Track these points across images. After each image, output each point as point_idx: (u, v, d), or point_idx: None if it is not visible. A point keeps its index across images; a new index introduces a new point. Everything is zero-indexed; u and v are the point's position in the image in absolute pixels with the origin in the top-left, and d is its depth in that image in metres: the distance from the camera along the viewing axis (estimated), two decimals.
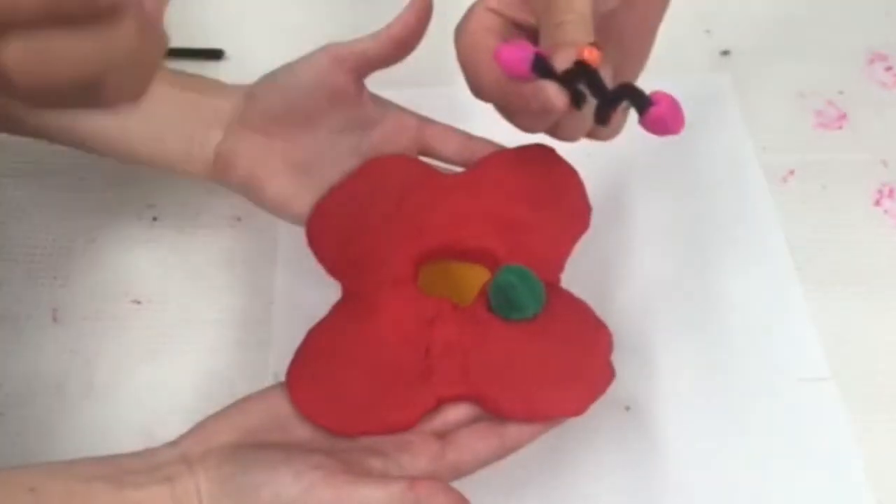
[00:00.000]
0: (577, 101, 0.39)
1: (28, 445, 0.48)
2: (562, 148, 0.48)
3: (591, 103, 0.40)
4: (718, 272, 0.54)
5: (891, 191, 0.58)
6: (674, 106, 0.39)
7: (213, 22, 0.66)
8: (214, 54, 0.64)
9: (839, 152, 0.59)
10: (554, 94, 0.39)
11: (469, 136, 0.49)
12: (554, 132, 0.44)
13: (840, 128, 0.60)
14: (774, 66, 0.63)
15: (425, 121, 0.50)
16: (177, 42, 0.63)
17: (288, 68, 0.48)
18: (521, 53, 0.40)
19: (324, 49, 0.47)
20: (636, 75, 0.47)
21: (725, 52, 0.64)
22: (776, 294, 0.53)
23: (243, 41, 0.65)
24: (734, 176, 0.58)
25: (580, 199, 0.47)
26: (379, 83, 0.49)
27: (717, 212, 0.56)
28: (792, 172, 0.58)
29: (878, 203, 0.57)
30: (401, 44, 0.47)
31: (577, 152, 0.48)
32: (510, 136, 0.47)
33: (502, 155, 0.48)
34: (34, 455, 0.48)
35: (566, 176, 0.47)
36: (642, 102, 0.39)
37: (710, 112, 0.61)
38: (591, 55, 0.39)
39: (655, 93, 0.39)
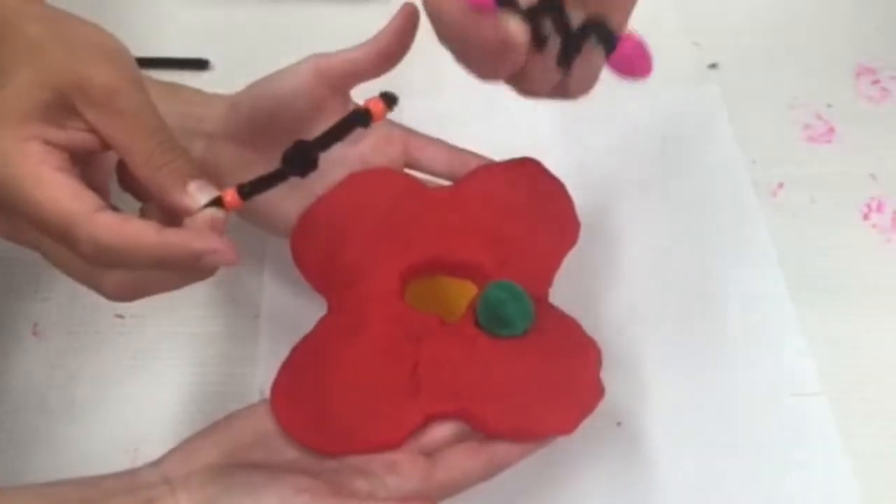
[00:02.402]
0: (539, 41, 0.38)
1: (8, 462, 0.48)
2: (550, 162, 0.47)
3: (555, 50, 0.39)
4: (708, 286, 0.54)
5: (879, 205, 0.57)
6: (641, 46, 0.38)
7: (198, 32, 0.66)
8: (199, 64, 0.64)
9: (828, 166, 0.59)
10: (515, 28, 0.38)
11: (456, 149, 0.49)
12: (517, 82, 0.42)
13: (829, 141, 0.60)
14: (763, 79, 0.63)
15: (412, 133, 0.50)
16: (162, 52, 0.64)
17: (272, 78, 0.47)
18: None
19: (308, 60, 0.47)
20: (621, 28, 0.45)
21: (714, 65, 0.64)
22: (766, 308, 0.53)
23: (228, 51, 0.64)
24: (724, 189, 0.58)
25: (569, 213, 0.46)
26: (366, 93, 0.48)
27: (707, 225, 0.56)
28: (781, 185, 0.58)
29: (866, 217, 0.57)
30: (387, 56, 0.46)
31: (565, 166, 0.47)
32: (498, 149, 0.47)
33: (490, 168, 0.48)
34: (14, 472, 0.47)
35: (554, 190, 0.47)
36: (609, 40, 0.38)
37: (700, 124, 0.61)
38: None
39: (623, 34, 0.38)
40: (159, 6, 0.67)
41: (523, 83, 0.42)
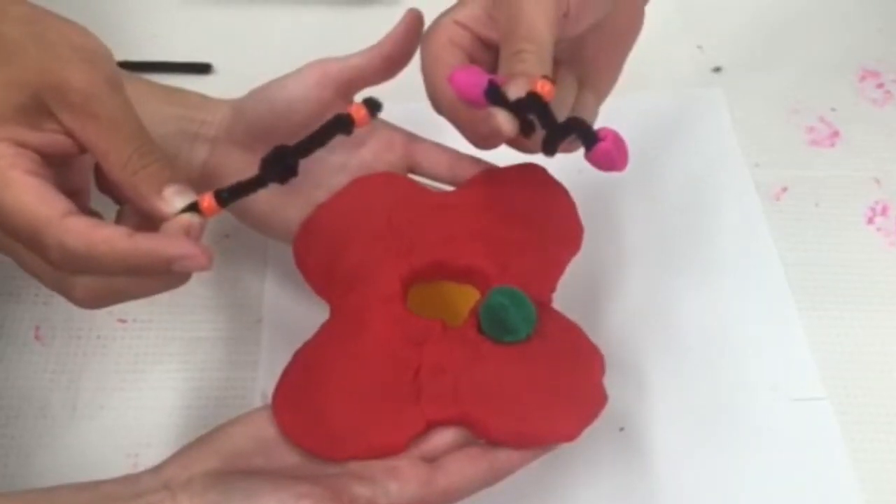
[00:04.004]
0: (526, 129, 0.40)
1: (10, 468, 0.48)
2: (552, 164, 0.47)
3: (541, 132, 0.40)
4: (711, 290, 0.54)
5: (883, 208, 0.57)
6: (619, 142, 0.39)
7: (201, 36, 0.66)
8: (202, 68, 0.64)
9: (832, 169, 0.59)
10: (504, 121, 0.39)
11: (458, 154, 0.49)
12: (508, 144, 0.45)
13: (832, 145, 0.60)
14: (766, 82, 0.63)
15: (414, 138, 0.50)
16: (165, 56, 0.64)
17: (275, 83, 0.47)
18: (474, 79, 0.41)
19: (312, 64, 0.47)
20: (602, 98, 0.47)
21: (717, 69, 0.64)
22: (770, 312, 0.53)
23: (231, 55, 0.64)
24: (727, 192, 0.58)
25: (572, 218, 0.46)
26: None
27: (710, 229, 0.56)
28: (785, 189, 0.58)
29: (870, 221, 0.57)
30: (391, 61, 0.46)
31: (567, 169, 0.47)
32: (500, 154, 0.46)
33: (492, 173, 0.48)
34: (16, 478, 0.47)
35: (557, 195, 0.47)
36: (589, 138, 0.39)
37: (703, 127, 0.61)
38: (543, 89, 0.39)
39: (602, 129, 0.39)
40: (162, 10, 0.67)
41: (514, 147, 0.44)
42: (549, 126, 0.40)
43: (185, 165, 0.48)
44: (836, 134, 0.61)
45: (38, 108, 0.37)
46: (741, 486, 0.47)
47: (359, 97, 0.48)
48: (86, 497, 0.37)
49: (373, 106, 0.39)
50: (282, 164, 0.39)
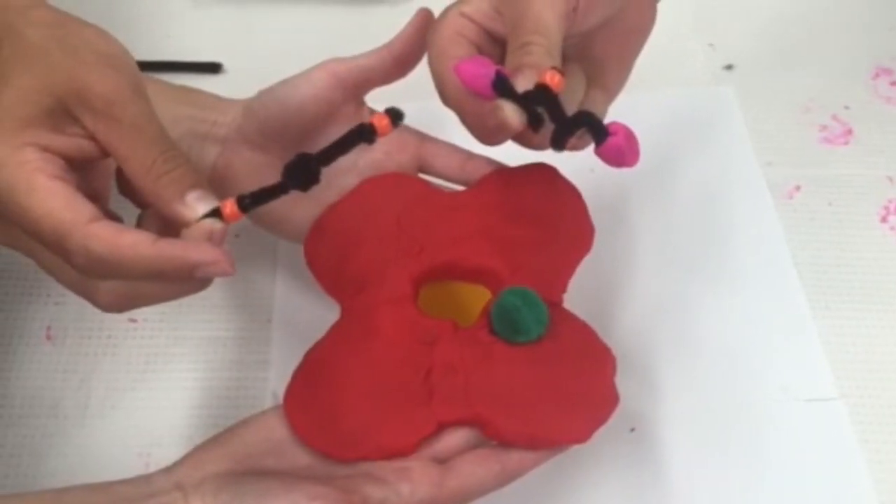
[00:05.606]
0: (534, 123, 0.39)
1: (22, 468, 0.48)
2: (564, 164, 0.47)
3: (549, 126, 0.40)
4: (723, 290, 0.53)
5: None
6: (630, 137, 0.39)
7: (211, 35, 0.66)
8: (212, 68, 0.64)
9: (845, 168, 0.59)
10: (511, 114, 0.39)
11: (469, 154, 0.49)
12: (515, 139, 0.44)
13: (846, 143, 0.60)
14: (779, 80, 0.63)
15: (425, 138, 0.50)
16: (175, 55, 0.64)
17: (286, 83, 0.47)
18: (481, 70, 0.40)
19: (323, 65, 0.47)
20: (612, 97, 0.47)
21: (729, 67, 0.64)
22: (783, 311, 0.53)
23: (241, 55, 0.64)
24: (739, 191, 0.58)
25: (583, 219, 0.46)
26: (378, 98, 0.48)
27: (722, 228, 0.56)
28: (798, 188, 0.58)
29: (884, 219, 0.57)
30: (401, 61, 0.46)
31: (579, 168, 0.47)
32: (511, 154, 0.46)
33: (503, 173, 0.47)
34: (27, 477, 0.47)
35: (568, 195, 0.47)
36: (600, 132, 0.39)
37: (715, 126, 0.61)
38: (552, 80, 0.39)
39: (612, 124, 0.39)
40: (172, 9, 0.67)
41: (520, 143, 0.44)
42: (559, 119, 0.39)
43: (196, 165, 0.48)
44: (849, 132, 0.60)
45: (62, 113, 0.37)
46: (753, 487, 0.47)
47: (369, 97, 0.48)
48: (99, 498, 0.37)
49: (395, 115, 0.39)
50: (304, 172, 0.39)
